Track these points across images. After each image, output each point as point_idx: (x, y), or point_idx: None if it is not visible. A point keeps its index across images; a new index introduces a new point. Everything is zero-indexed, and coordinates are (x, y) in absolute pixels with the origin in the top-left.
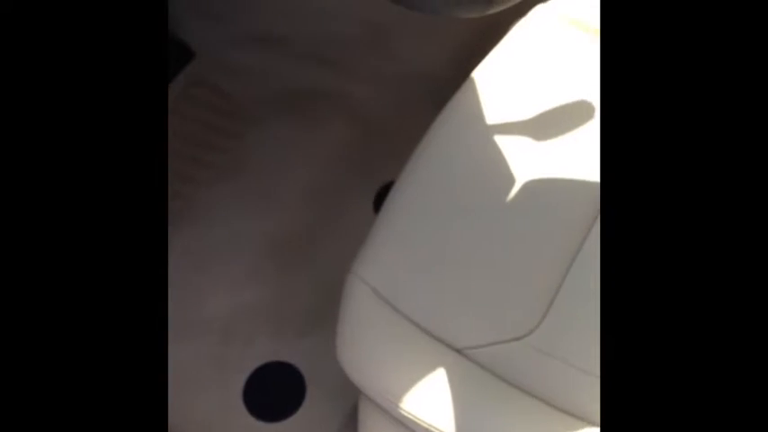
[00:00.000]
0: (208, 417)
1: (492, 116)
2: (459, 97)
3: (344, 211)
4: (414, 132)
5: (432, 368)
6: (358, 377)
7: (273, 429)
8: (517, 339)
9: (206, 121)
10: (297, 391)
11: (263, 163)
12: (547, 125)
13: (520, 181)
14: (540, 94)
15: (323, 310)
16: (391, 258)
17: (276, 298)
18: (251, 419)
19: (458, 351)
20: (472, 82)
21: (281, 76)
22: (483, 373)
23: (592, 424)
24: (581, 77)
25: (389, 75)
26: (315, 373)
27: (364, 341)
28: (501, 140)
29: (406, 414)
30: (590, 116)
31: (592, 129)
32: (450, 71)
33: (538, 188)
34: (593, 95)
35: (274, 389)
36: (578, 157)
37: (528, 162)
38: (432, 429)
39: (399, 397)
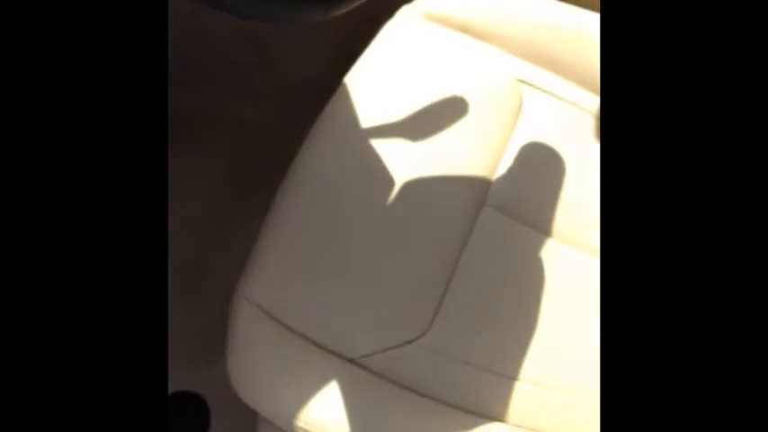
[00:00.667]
0: None
1: (366, 120)
2: (333, 104)
3: (240, 231)
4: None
5: (326, 382)
6: (253, 401)
7: None
8: (409, 342)
9: None
10: (202, 422)
11: None
12: (421, 124)
13: (399, 182)
14: (412, 93)
15: (223, 335)
16: (275, 274)
17: (173, 326)
18: None
19: (351, 361)
20: (344, 87)
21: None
22: (378, 380)
23: (490, 419)
24: (450, 75)
25: (273, 90)
26: (222, 400)
27: (255, 364)
28: (377, 144)
29: None
30: (463, 111)
31: (465, 124)
32: (333, 78)
33: (418, 188)
34: (463, 91)
35: (179, 421)
36: (455, 152)
37: (406, 163)
38: None
39: (296, 416)
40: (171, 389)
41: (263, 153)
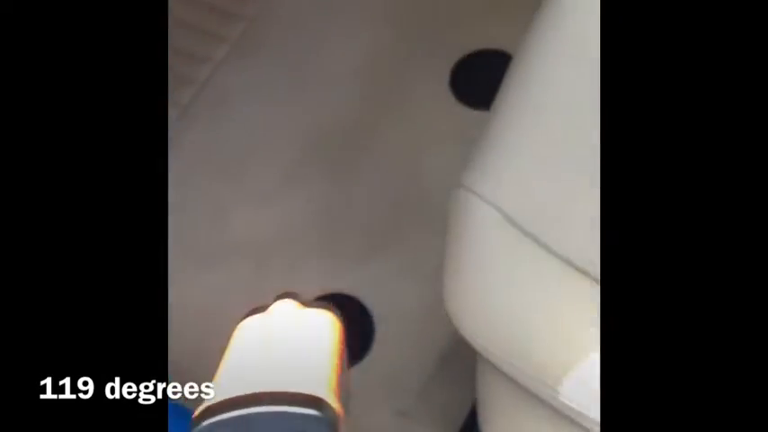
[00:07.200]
0: None
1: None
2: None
3: (411, 93)
4: None
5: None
6: (479, 337)
7: None
8: None
9: None
10: (364, 332)
11: (299, 31)
12: None
13: None
14: None
15: (391, 225)
16: (518, 171)
17: (325, 210)
18: None
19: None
20: None
21: None
22: None
23: None
24: None
25: None
26: (385, 308)
27: (493, 284)
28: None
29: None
30: None
31: None
32: None
33: None
34: None
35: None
36: None
37: None
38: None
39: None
40: (319, 290)
41: None
